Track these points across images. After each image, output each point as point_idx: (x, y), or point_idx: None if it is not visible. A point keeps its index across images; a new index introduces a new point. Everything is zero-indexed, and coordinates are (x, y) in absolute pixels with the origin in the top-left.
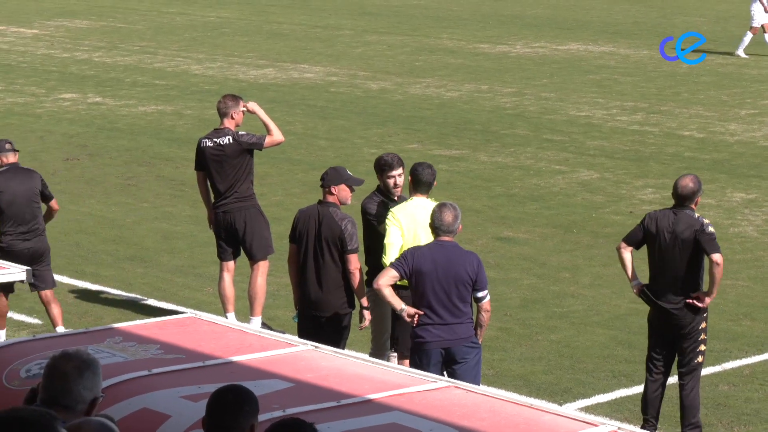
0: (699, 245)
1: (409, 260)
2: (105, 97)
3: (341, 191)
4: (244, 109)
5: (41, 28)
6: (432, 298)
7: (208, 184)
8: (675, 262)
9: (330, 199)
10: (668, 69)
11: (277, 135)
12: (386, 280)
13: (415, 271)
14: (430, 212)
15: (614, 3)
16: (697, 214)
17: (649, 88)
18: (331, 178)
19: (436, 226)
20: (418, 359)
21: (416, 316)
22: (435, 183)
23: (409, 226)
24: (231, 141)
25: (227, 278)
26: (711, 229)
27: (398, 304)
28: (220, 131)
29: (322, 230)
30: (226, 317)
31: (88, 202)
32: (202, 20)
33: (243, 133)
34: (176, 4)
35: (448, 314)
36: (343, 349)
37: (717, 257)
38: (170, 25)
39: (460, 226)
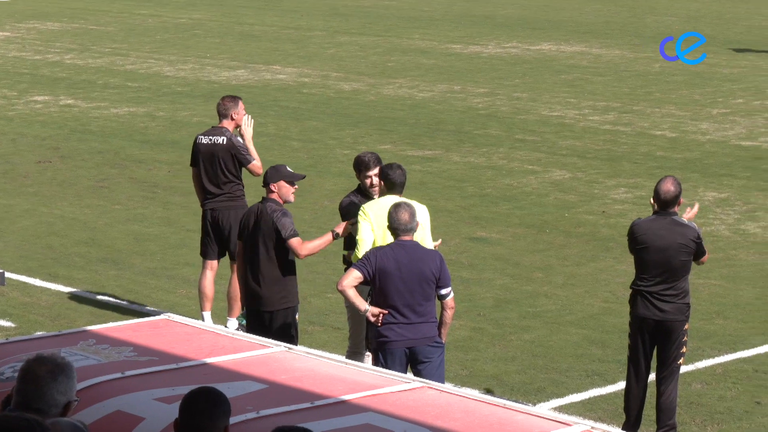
0: (693, 253)
1: (372, 260)
2: (77, 99)
3: (281, 188)
4: (246, 118)
5: (12, 30)
6: (396, 298)
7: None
8: (669, 268)
9: (271, 196)
10: (640, 69)
11: (258, 165)
12: (350, 281)
13: (379, 270)
14: (389, 214)
15: (585, 3)
16: (684, 220)
17: (621, 88)
18: (269, 176)
19: (394, 227)
20: (383, 359)
21: (380, 315)
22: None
23: (378, 222)
24: (225, 141)
25: (209, 276)
26: (701, 234)
27: (362, 304)
28: (217, 129)
29: (258, 225)
30: (202, 315)
31: (60, 205)
32: (174, 22)
33: (240, 140)
34: (148, 6)
35: (412, 313)
36: (296, 345)
37: (706, 257)
38: (142, 27)
39: (418, 223)
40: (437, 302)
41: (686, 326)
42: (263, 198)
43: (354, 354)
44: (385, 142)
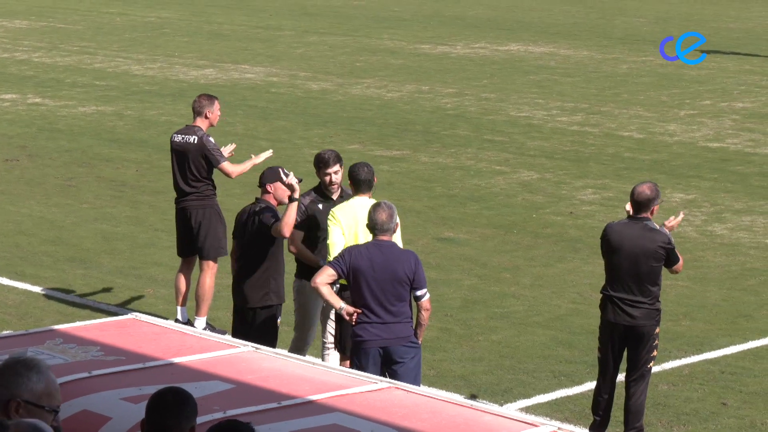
0: (663, 258)
1: (346, 258)
2: (45, 98)
3: (277, 189)
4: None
5: None
6: (369, 297)
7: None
8: (638, 273)
9: (265, 197)
10: (608, 70)
11: (228, 168)
12: (324, 279)
13: (353, 269)
14: (368, 213)
15: (554, 4)
16: (657, 225)
17: (589, 89)
18: (266, 177)
19: (371, 227)
20: (357, 359)
21: (354, 314)
22: (375, 180)
23: (349, 224)
24: (196, 141)
25: (184, 272)
26: (672, 241)
27: (337, 302)
28: (189, 129)
29: (247, 225)
30: (177, 310)
31: (27, 203)
32: (143, 20)
33: (211, 140)
34: (116, 5)
35: (385, 313)
36: (275, 344)
37: (681, 267)
38: (110, 26)
39: (397, 224)
40: (414, 303)
41: (657, 330)
42: (256, 198)
43: (298, 345)
44: (353, 142)
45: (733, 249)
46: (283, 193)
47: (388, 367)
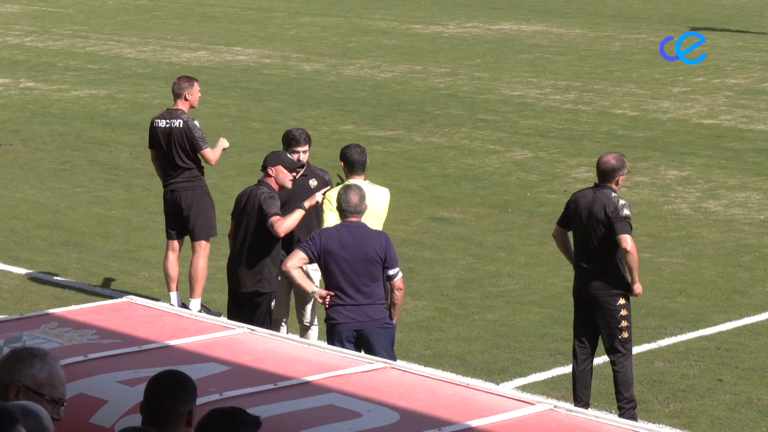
0: (612, 227)
1: (316, 241)
2: (37, 82)
3: (279, 173)
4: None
5: None
6: (341, 279)
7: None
8: (592, 241)
9: (267, 180)
10: (601, 48)
11: (209, 154)
12: (295, 262)
13: (323, 251)
14: (338, 195)
15: None
16: (614, 194)
17: (582, 67)
18: (268, 160)
19: (343, 209)
20: (331, 341)
21: (328, 297)
22: (368, 162)
23: None
24: (181, 125)
25: (172, 257)
26: (627, 212)
27: (309, 286)
28: (173, 112)
29: (246, 208)
30: (170, 296)
31: (21, 188)
32: (134, 3)
33: (197, 124)
34: None
35: (358, 295)
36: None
37: (625, 241)
38: (102, 9)
39: (367, 206)
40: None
41: (620, 302)
42: (258, 181)
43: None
44: (346, 122)
45: (727, 225)
46: (284, 177)
47: (363, 349)
